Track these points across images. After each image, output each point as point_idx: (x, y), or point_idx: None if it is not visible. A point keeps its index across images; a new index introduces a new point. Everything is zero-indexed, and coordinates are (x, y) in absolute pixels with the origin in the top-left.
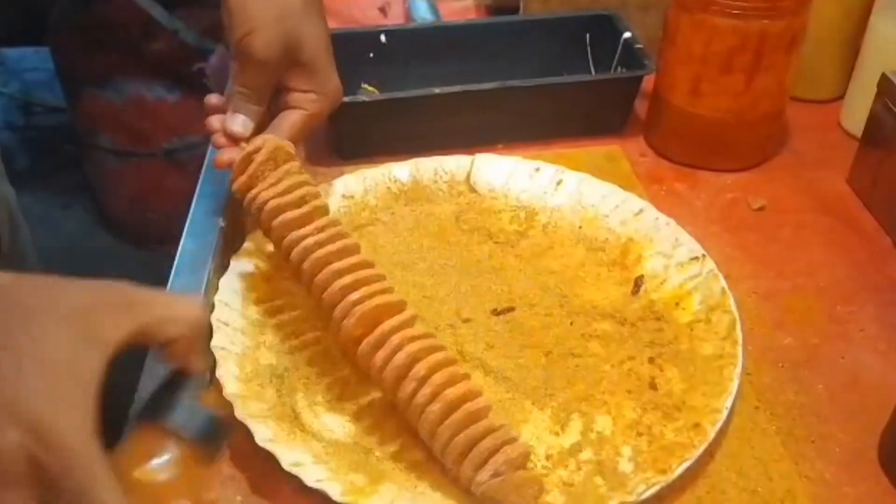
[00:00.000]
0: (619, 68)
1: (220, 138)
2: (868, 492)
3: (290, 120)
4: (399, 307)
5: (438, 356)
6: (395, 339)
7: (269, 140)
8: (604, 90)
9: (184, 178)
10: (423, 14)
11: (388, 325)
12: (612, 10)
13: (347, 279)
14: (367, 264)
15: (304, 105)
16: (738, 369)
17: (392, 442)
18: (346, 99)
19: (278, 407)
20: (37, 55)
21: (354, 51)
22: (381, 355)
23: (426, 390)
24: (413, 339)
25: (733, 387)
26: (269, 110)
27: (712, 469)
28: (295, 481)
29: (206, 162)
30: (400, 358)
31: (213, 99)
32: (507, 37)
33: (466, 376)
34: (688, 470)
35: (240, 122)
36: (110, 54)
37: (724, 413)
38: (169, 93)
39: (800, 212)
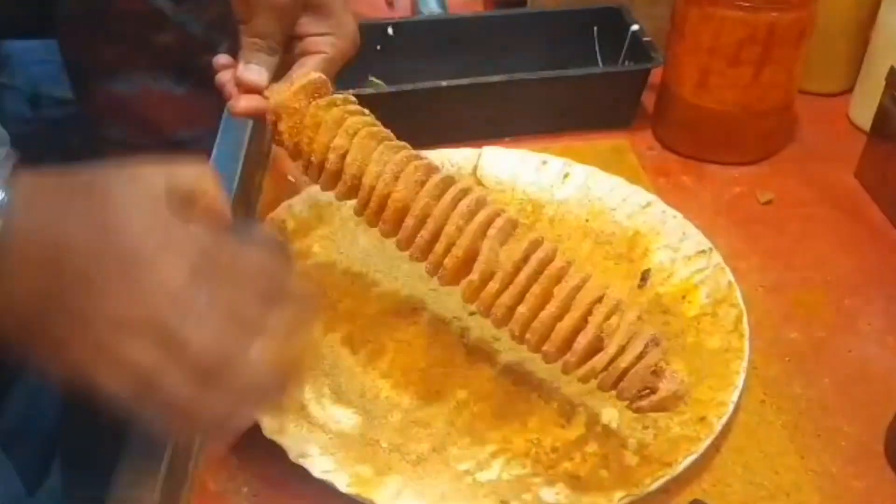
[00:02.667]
0: (626, 61)
1: (231, 88)
2: (874, 485)
3: (310, 65)
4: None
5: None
6: None
7: (313, 74)
8: (611, 83)
9: None
10: (430, 6)
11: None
12: (619, 3)
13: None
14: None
15: (323, 48)
16: (745, 363)
17: (398, 434)
18: (352, 91)
19: (285, 399)
20: (44, 47)
21: (361, 43)
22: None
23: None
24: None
25: (739, 380)
26: (284, 63)
27: (718, 462)
28: (301, 472)
29: (213, 153)
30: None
31: (222, 59)
32: (515, 29)
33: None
34: (693, 463)
35: (255, 71)
36: (118, 46)
37: (731, 406)
38: (177, 85)
39: (807, 205)
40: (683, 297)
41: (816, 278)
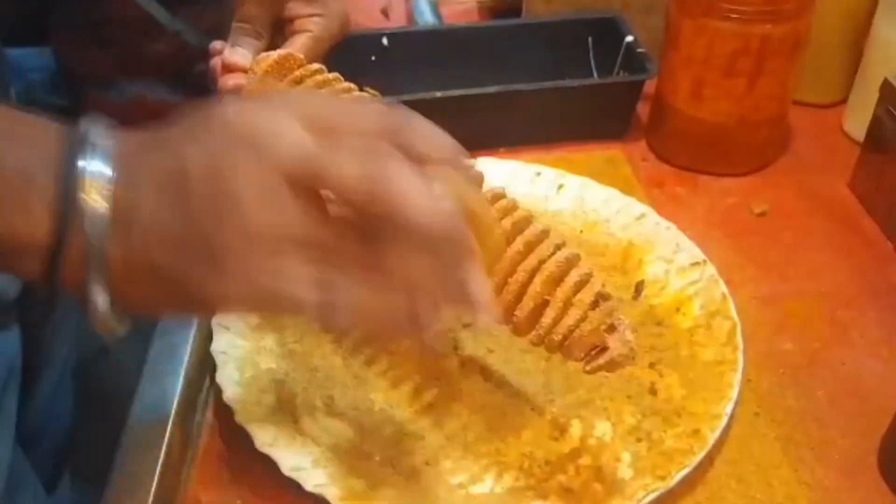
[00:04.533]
0: (621, 72)
1: (221, 68)
2: (867, 498)
3: (297, 45)
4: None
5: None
6: None
7: (273, 52)
8: (606, 94)
9: None
10: (425, 16)
11: None
12: (614, 13)
13: None
14: None
15: (310, 28)
16: (739, 375)
17: (391, 447)
18: None
19: (278, 412)
20: (40, 56)
21: (356, 53)
22: None
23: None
24: None
25: (733, 393)
26: (275, 46)
27: (712, 475)
28: (294, 486)
29: None
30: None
31: (217, 44)
32: (510, 40)
33: None
34: (687, 476)
35: (239, 53)
36: (113, 55)
37: (724, 419)
38: (172, 94)
39: (801, 216)
40: (677, 310)
41: (810, 290)
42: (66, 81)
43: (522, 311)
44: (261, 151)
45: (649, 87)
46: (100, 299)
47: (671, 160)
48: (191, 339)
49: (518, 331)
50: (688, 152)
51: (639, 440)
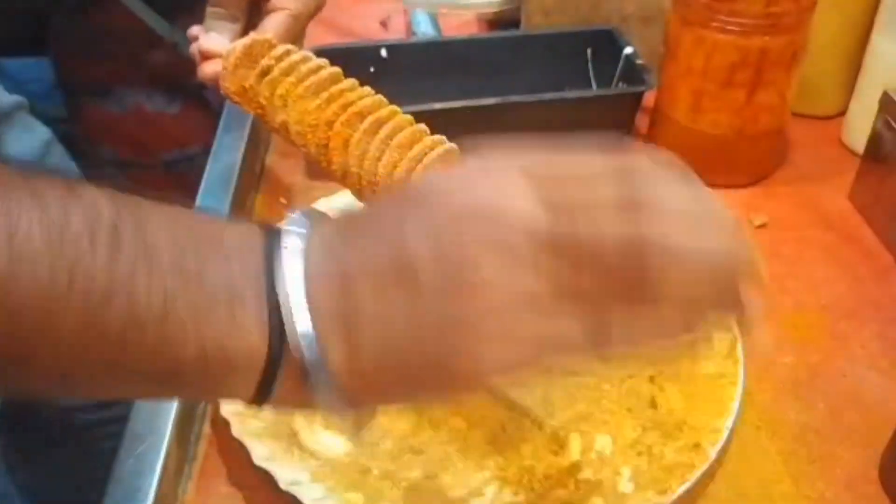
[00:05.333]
0: (620, 83)
1: (198, 55)
2: None
3: (274, 23)
4: None
5: None
6: None
7: (240, 41)
8: (605, 106)
9: (184, 190)
10: (424, 28)
11: None
12: (613, 25)
13: None
14: None
15: (287, 5)
16: (739, 389)
17: (390, 461)
18: None
19: (276, 425)
20: (37, 65)
21: (355, 65)
22: None
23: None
24: None
25: (734, 406)
26: (253, 26)
27: (713, 490)
28: (292, 500)
29: (205, 174)
30: None
31: (194, 29)
32: (508, 52)
33: None
34: (688, 490)
35: (213, 39)
36: (110, 65)
37: (725, 433)
38: (169, 104)
39: (801, 228)
40: None
41: (810, 302)
42: (64, 91)
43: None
44: (492, 224)
45: (648, 98)
46: (335, 410)
47: None
48: None
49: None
50: (687, 164)
51: (639, 454)
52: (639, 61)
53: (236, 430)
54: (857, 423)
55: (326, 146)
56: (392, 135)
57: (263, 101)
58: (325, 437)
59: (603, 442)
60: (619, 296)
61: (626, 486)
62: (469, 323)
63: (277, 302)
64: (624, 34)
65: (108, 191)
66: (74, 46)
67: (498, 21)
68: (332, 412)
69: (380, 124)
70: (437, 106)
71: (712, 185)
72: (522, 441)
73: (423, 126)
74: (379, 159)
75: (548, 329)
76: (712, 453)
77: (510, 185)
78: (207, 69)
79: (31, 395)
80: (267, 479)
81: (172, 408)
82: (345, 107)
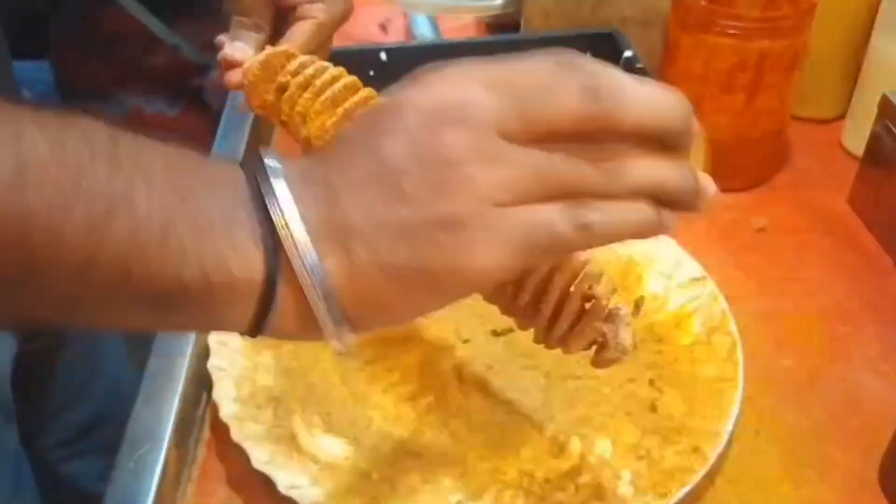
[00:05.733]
0: None
1: (224, 63)
2: None
3: (300, 31)
4: None
5: None
6: None
7: (256, 57)
8: None
9: None
10: (423, 32)
11: None
12: (613, 28)
13: None
14: None
15: (314, 14)
16: (739, 392)
17: (389, 465)
18: None
19: (275, 429)
20: (37, 69)
21: (354, 68)
22: None
23: None
24: None
25: (734, 410)
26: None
27: (713, 493)
28: None
29: None
30: None
31: (222, 39)
32: (508, 55)
33: None
34: (688, 494)
35: (238, 48)
36: (111, 68)
37: (725, 437)
38: (169, 107)
39: (801, 232)
40: (677, 326)
41: (810, 305)
42: (64, 95)
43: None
44: (460, 117)
45: None
46: (336, 331)
47: None
48: (188, 356)
49: (522, 325)
50: None
51: (639, 458)
52: (638, 65)
53: (235, 434)
54: (857, 427)
55: None
56: None
57: (284, 118)
58: (325, 440)
59: (603, 445)
60: (590, 177)
61: (625, 489)
62: (458, 221)
63: (270, 223)
64: (623, 37)
65: (103, 121)
66: (74, 50)
67: (497, 24)
68: (332, 334)
69: None
70: None
71: None
72: (522, 445)
73: None
74: None
75: (531, 217)
76: (712, 457)
77: (469, 83)
78: (233, 78)
79: (35, 322)
80: (266, 482)
81: (172, 412)
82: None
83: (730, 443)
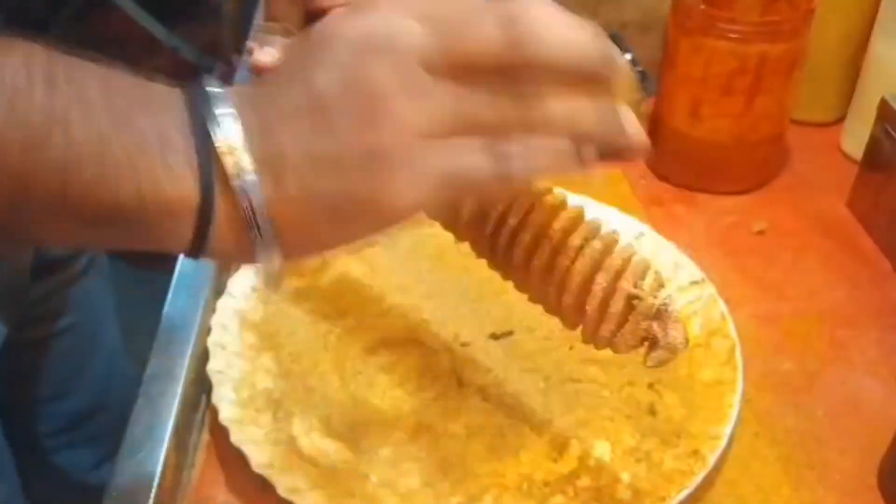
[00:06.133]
0: None
1: (254, 70)
2: None
3: None
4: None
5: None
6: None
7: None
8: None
9: None
10: None
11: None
12: (612, 32)
13: None
14: None
15: None
16: (738, 395)
17: (388, 468)
18: None
19: (274, 432)
20: None
21: None
22: None
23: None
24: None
25: (733, 413)
26: None
27: (712, 496)
28: None
29: None
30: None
31: (251, 45)
32: None
33: None
34: (687, 497)
35: (267, 53)
36: None
37: (724, 440)
38: None
39: (800, 235)
40: None
41: (809, 308)
42: None
43: (569, 298)
44: (388, 49)
45: (647, 105)
46: (267, 254)
47: (670, 179)
48: (187, 359)
49: (567, 322)
50: (686, 171)
51: (638, 461)
52: (638, 68)
53: (235, 437)
54: (856, 430)
55: None
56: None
57: None
58: (324, 443)
59: (602, 448)
60: (511, 114)
61: (624, 492)
62: (384, 153)
63: (208, 147)
64: (623, 41)
65: (41, 42)
66: (74, 52)
67: None
68: (265, 258)
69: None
70: None
71: (712, 191)
72: (521, 448)
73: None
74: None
75: (451, 151)
76: (711, 460)
77: (399, 15)
78: None
79: None
80: (265, 486)
81: (171, 415)
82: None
83: (729, 446)
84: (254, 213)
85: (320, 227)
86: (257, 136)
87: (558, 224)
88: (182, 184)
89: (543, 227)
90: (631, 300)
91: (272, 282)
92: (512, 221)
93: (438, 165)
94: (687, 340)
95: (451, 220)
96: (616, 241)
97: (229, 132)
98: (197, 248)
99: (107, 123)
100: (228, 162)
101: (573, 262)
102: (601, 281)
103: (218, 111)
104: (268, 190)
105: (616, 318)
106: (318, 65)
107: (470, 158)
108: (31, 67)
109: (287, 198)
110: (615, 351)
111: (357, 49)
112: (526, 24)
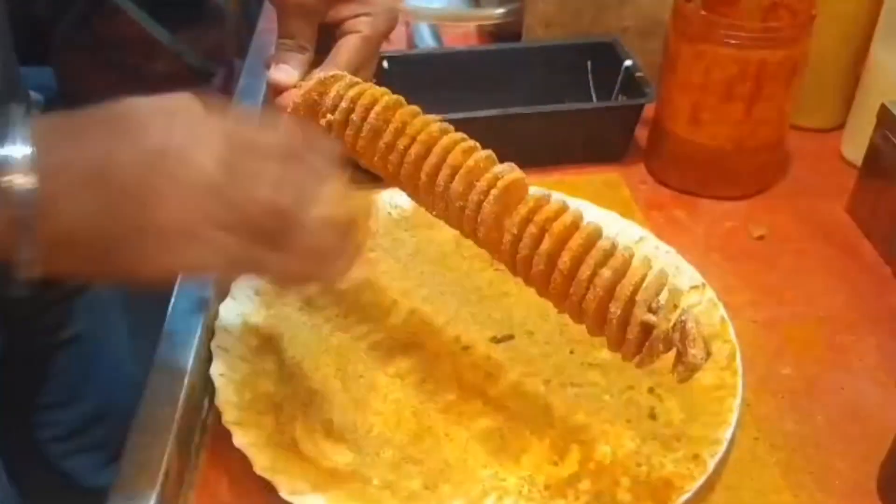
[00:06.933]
0: (620, 96)
1: (270, 88)
2: None
3: (347, 46)
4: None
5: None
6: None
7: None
8: (605, 118)
9: None
10: (425, 40)
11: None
12: (613, 38)
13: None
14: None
15: (359, 28)
16: (738, 400)
17: (390, 471)
18: None
19: (277, 435)
20: (40, 75)
21: None
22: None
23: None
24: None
25: (733, 418)
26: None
27: (712, 501)
28: None
29: None
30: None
31: (267, 62)
32: (509, 64)
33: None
34: (687, 501)
35: (283, 71)
36: (114, 75)
37: (724, 444)
38: None
39: (800, 240)
40: None
41: (808, 314)
42: (66, 101)
43: (588, 323)
44: (182, 165)
45: (648, 111)
46: (26, 260)
47: (670, 184)
48: (190, 362)
49: (592, 331)
50: (686, 176)
51: (638, 465)
52: (639, 74)
53: (237, 440)
54: (856, 435)
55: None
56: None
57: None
58: (326, 446)
59: (602, 452)
60: (263, 238)
61: (625, 496)
62: (146, 232)
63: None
64: (624, 47)
65: None
66: (78, 56)
67: (499, 33)
68: (27, 266)
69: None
70: (438, 117)
71: (712, 196)
72: (522, 451)
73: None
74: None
75: (204, 250)
76: (711, 464)
77: (206, 138)
78: (280, 102)
79: None
80: (268, 488)
81: (174, 417)
82: (402, 152)
83: (729, 450)
84: (23, 228)
85: (76, 264)
86: (48, 175)
87: (567, 255)
88: None
89: (552, 256)
90: (646, 326)
91: (15, 286)
92: (527, 239)
93: (191, 249)
94: (708, 354)
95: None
96: (628, 264)
97: (20, 161)
98: None
99: None
100: (14, 183)
101: (584, 296)
102: (615, 310)
103: (13, 141)
104: (40, 219)
105: (634, 344)
106: (118, 148)
107: (216, 250)
108: None
109: (53, 234)
110: (640, 367)
111: (156, 151)
112: (294, 201)
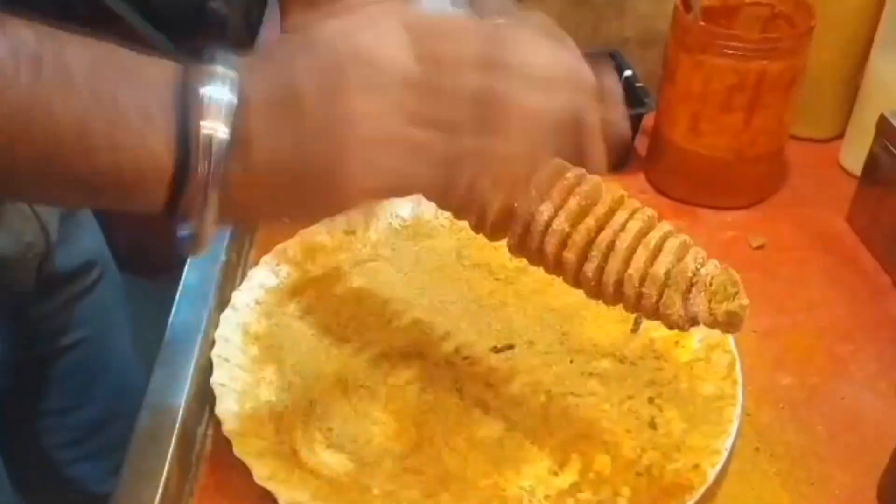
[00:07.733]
0: None
1: None
2: None
3: None
4: None
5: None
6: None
7: None
8: (604, 127)
9: None
10: None
11: None
12: (613, 48)
13: None
14: None
15: None
16: (738, 410)
17: (390, 481)
18: None
19: (277, 444)
20: None
21: None
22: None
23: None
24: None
25: (733, 428)
26: None
27: None
28: None
29: None
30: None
31: None
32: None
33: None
34: None
35: None
36: None
37: (724, 454)
38: None
39: (799, 250)
40: (676, 343)
41: (808, 323)
42: None
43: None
44: (371, 67)
45: (648, 121)
46: (210, 218)
47: (669, 193)
48: (191, 371)
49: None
50: (686, 186)
51: (638, 475)
52: (638, 84)
53: (238, 450)
54: (856, 445)
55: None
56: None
57: None
58: (326, 456)
59: (602, 462)
60: (470, 130)
61: None
62: (344, 149)
63: (186, 126)
64: (623, 57)
65: (32, 23)
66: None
67: None
68: (224, 221)
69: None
70: None
71: (711, 206)
72: (522, 461)
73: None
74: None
75: (412, 155)
76: (711, 474)
77: (391, 37)
78: None
79: None
80: (268, 498)
81: (174, 426)
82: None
83: (729, 460)
84: (217, 185)
85: (267, 206)
86: (243, 113)
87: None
88: (158, 157)
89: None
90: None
91: (197, 247)
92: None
93: (393, 166)
94: (743, 307)
95: (480, 222)
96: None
97: (220, 101)
98: (170, 212)
99: (89, 103)
100: (208, 129)
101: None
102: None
103: (202, 90)
104: (233, 164)
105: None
106: (303, 65)
107: (421, 167)
108: (19, 54)
109: (246, 178)
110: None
111: (343, 60)
112: (503, 84)
